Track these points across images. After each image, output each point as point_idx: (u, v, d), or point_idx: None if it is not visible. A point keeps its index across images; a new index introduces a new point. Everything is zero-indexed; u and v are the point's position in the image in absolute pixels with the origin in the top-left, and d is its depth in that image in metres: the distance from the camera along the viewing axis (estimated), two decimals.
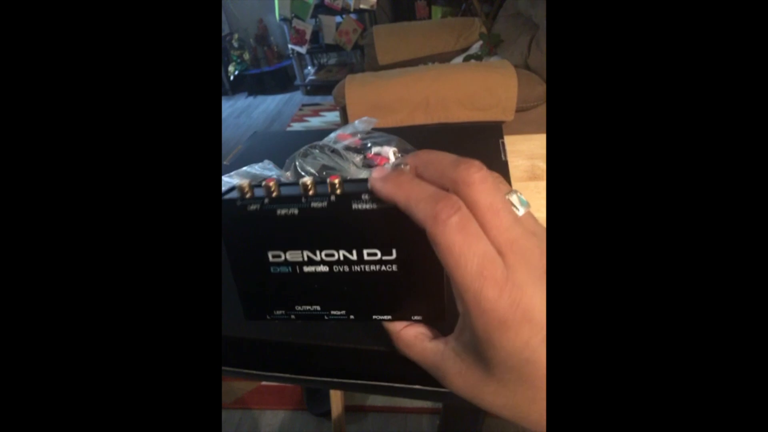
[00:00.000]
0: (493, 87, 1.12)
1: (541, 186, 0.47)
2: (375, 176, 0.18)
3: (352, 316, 0.21)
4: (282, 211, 0.19)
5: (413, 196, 0.17)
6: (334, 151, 0.45)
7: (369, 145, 0.47)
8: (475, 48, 1.77)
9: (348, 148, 0.47)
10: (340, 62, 2.98)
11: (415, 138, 0.47)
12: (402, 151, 0.45)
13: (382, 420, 0.88)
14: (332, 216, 0.19)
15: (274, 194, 0.19)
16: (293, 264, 0.20)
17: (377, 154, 0.45)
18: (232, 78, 2.91)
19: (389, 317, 0.21)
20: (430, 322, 0.21)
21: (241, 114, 2.68)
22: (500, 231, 0.16)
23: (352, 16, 2.57)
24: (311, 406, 0.91)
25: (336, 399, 0.64)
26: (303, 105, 2.67)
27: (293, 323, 0.29)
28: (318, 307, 0.21)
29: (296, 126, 2.38)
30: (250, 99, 2.91)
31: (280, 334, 0.29)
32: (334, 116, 2.39)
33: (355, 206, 0.18)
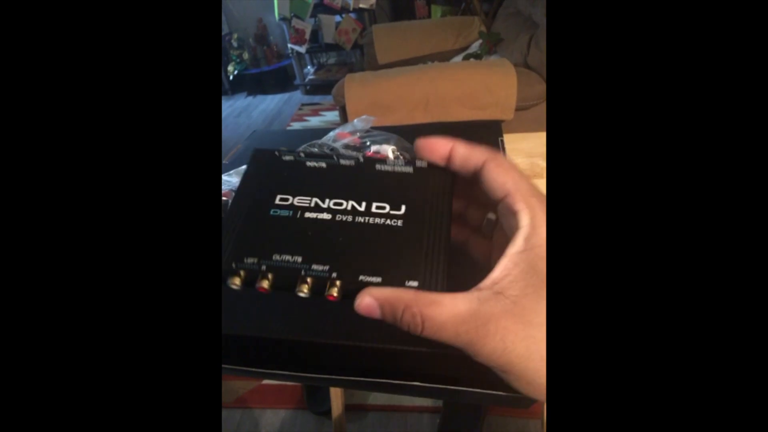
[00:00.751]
0: (492, 86, 1.12)
1: (541, 184, 0.47)
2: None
3: (334, 274, 0.19)
4: (311, 164, 0.21)
5: (471, 150, 0.20)
6: (333, 149, 0.45)
7: (368, 143, 0.47)
8: (475, 47, 1.77)
9: (347, 147, 0.47)
10: (340, 62, 2.97)
11: (414, 136, 0.47)
12: (401, 149, 0.45)
13: (382, 419, 0.88)
14: (356, 173, 0.21)
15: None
16: (297, 208, 0.20)
17: (376, 152, 0.45)
18: (231, 78, 2.91)
19: (379, 279, 0.19)
20: (427, 289, 0.19)
21: (241, 113, 2.68)
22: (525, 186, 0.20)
23: (352, 15, 2.57)
24: (311, 405, 0.91)
25: (336, 398, 0.64)
26: (302, 104, 2.67)
27: (292, 320, 0.29)
28: (299, 259, 0.19)
29: (296, 125, 2.38)
30: (250, 99, 2.91)
31: (279, 332, 0.29)
32: (333, 116, 2.39)
33: (378, 167, 0.21)
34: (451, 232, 0.20)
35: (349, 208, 0.20)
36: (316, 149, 0.45)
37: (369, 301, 0.18)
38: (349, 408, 0.87)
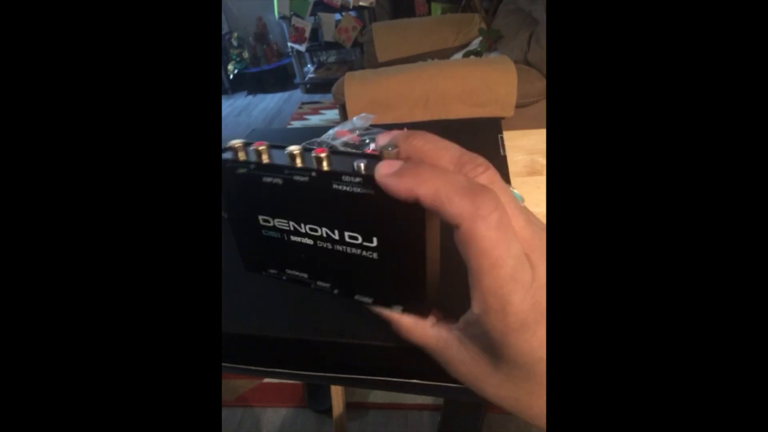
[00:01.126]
0: (492, 83, 1.11)
1: (541, 181, 0.47)
2: (385, 172, 0.16)
3: (336, 291, 0.21)
4: (267, 179, 0.19)
5: (444, 190, 0.14)
6: (332, 147, 0.45)
7: (367, 141, 0.47)
8: (475, 44, 1.76)
9: (346, 145, 0.47)
10: (340, 60, 2.97)
11: None
12: None
13: (383, 417, 0.89)
14: (313, 192, 0.18)
15: (264, 159, 0.19)
16: (281, 231, 0.21)
17: (375, 150, 0.45)
18: (231, 77, 2.90)
19: (370, 300, 0.21)
20: (411, 313, 0.20)
21: (241, 112, 2.68)
22: (519, 229, 0.16)
23: (352, 13, 2.56)
24: (312, 403, 0.91)
25: (337, 396, 0.64)
26: (303, 103, 2.67)
27: (292, 318, 0.29)
28: (306, 275, 0.22)
29: (296, 124, 2.38)
30: (250, 97, 2.91)
31: (280, 330, 0.28)
32: (333, 114, 2.39)
33: (335, 186, 0.17)
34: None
35: (324, 235, 0.19)
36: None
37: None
38: (350, 406, 0.88)
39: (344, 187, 0.17)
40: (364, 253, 0.19)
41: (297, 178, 0.18)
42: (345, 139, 0.48)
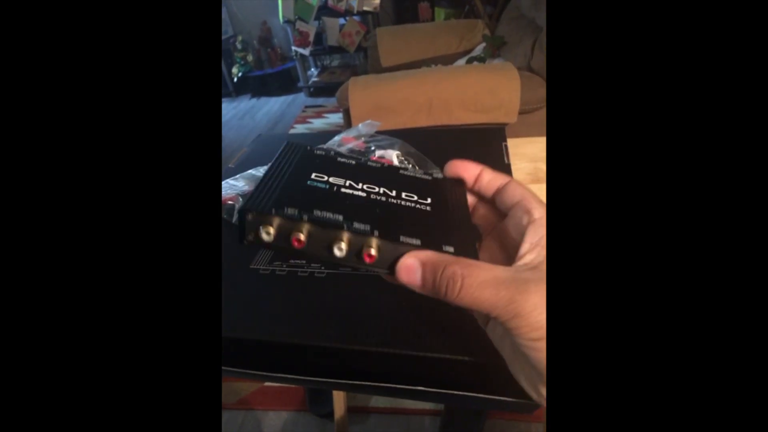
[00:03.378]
0: (495, 89, 1.12)
1: (544, 189, 0.47)
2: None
3: (376, 232, 0.19)
4: (342, 159, 0.24)
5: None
6: (338, 153, 0.45)
7: (372, 148, 0.47)
8: (478, 50, 1.77)
9: (352, 151, 0.48)
10: (343, 64, 2.98)
11: (418, 141, 0.47)
12: (405, 153, 0.46)
13: (384, 421, 0.89)
14: (382, 172, 0.23)
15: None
16: (332, 185, 0.22)
17: (381, 157, 0.45)
18: (235, 80, 2.92)
19: (418, 242, 0.19)
20: (461, 254, 0.19)
21: (245, 116, 2.69)
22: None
23: (356, 18, 2.57)
24: (314, 407, 0.91)
25: (338, 400, 0.65)
26: (306, 107, 2.68)
27: (294, 323, 0.29)
28: (340, 217, 0.19)
29: (299, 128, 2.39)
30: (254, 101, 2.92)
31: (281, 335, 0.29)
32: (337, 118, 2.40)
33: (402, 171, 0.24)
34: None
35: (381, 191, 0.22)
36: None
37: (411, 261, 0.19)
38: (351, 410, 0.88)
39: (409, 173, 0.24)
40: (418, 206, 0.22)
41: (371, 164, 0.24)
42: (351, 145, 0.48)
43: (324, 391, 0.88)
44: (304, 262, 0.36)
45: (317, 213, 0.19)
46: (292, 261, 0.36)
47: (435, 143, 0.51)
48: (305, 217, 0.19)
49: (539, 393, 0.19)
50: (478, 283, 0.17)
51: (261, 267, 0.35)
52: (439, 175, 0.24)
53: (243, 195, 0.41)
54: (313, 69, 2.99)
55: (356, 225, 0.19)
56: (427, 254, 0.19)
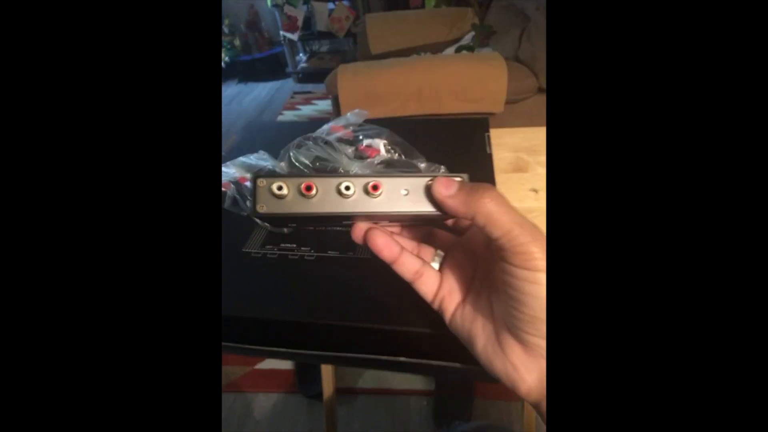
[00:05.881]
0: (484, 79, 1.13)
1: (525, 177, 0.49)
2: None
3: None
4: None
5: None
6: (327, 142, 0.47)
7: (360, 137, 0.49)
8: (467, 39, 1.77)
9: (340, 140, 0.49)
10: (333, 50, 2.95)
11: (405, 131, 0.49)
12: (392, 143, 0.47)
13: (371, 401, 0.92)
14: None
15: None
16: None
17: (368, 146, 0.47)
18: (222, 65, 2.87)
19: (441, 169, 0.22)
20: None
21: (232, 101, 2.66)
22: None
23: (345, 3, 2.54)
24: (303, 388, 0.94)
25: (327, 381, 0.67)
26: (294, 93, 2.65)
27: (289, 302, 0.31)
28: (341, 169, 0.23)
29: (288, 114, 2.37)
30: (241, 86, 2.88)
31: (274, 314, 0.31)
32: (325, 104, 2.38)
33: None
34: (405, 266, 0.25)
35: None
36: (310, 142, 0.47)
37: (449, 179, 0.22)
38: (339, 391, 0.90)
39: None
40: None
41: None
42: (339, 134, 0.50)
43: (313, 372, 0.91)
44: (294, 245, 0.37)
45: (320, 169, 0.22)
46: (282, 245, 0.38)
47: (421, 133, 0.52)
48: (312, 171, 0.22)
49: (531, 342, 0.21)
50: (506, 208, 0.20)
51: (253, 250, 0.37)
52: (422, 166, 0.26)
53: (234, 182, 0.43)
54: (301, 54, 2.96)
55: (357, 171, 0.22)
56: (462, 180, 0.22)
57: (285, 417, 0.91)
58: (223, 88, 2.85)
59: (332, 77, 1.19)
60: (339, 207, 0.22)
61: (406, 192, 0.22)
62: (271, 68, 2.91)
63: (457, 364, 0.29)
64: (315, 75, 2.73)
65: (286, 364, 1.00)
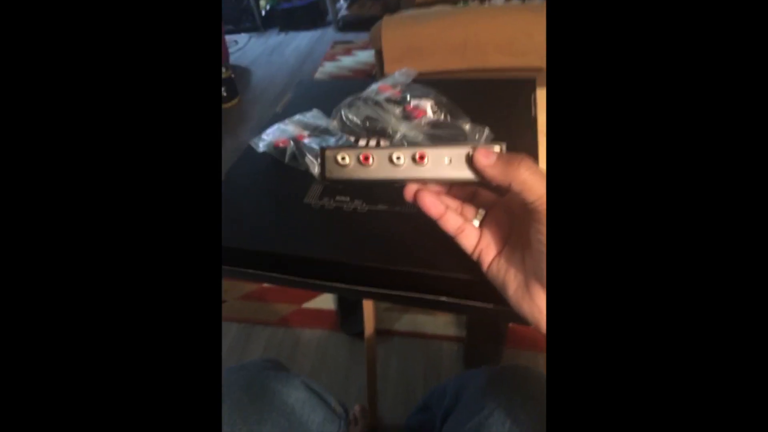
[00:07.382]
0: (532, 31, 1.08)
1: None
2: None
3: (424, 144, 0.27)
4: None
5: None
6: (377, 103, 0.49)
7: (408, 98, 0.51)
8: None
9: (389, 100, 0.52)
10: None
11: (451, 91, 0.51)
12: (438, 104, 0.50)
13: (406, 343, 1.00)
14: None
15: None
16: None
17: (416, 107, 0.49)
18: (263, 13, 2.85)
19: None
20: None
21: (273, 51, 2.66)
22: None
23: None
24: (345, 327, 1.03)
25: (369, 320, 0.74)
26: (335, 42, 2.61)
27: (340, 248, 0.36)
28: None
29: (328, 66, 2.36)
30: (282, 36, 2.87)
31: (329, 254, 0.36)
32: (366, 55, 2.34)
33: None
34: (449, 222, 0.29)
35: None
36: (360, 102, 0.50)
37: (488, 149, 0.25)
38: (377, 332, 0.99)
39: None
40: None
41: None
42: (387, 94, 0.52)
43: (355, 314, 0.99)
44: (347, 198, 0.42)
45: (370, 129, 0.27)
46: (338, 197, 0.42)
47: (467, 93, 0.54)
48: (363, 130, 0.28)
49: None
50: (540, 176, 0.23)
51: (312, 201, 0.42)
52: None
53: (293, 139, 0.47)
54: (342, 1, 2.87)
55: (405, 133, 0.27)
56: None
57: (328, 352, 1.01)
58: (264, 38, 2.85)
59: (376, 30, 1.18)
60: (392, 173, 0.27)
61: (449, 161, 0.26)
62: (311, 16, 2.86)
63: (490, 305, 0.33)
64: (356, 23, 2.66)
65: (329, 305, 1.09)
